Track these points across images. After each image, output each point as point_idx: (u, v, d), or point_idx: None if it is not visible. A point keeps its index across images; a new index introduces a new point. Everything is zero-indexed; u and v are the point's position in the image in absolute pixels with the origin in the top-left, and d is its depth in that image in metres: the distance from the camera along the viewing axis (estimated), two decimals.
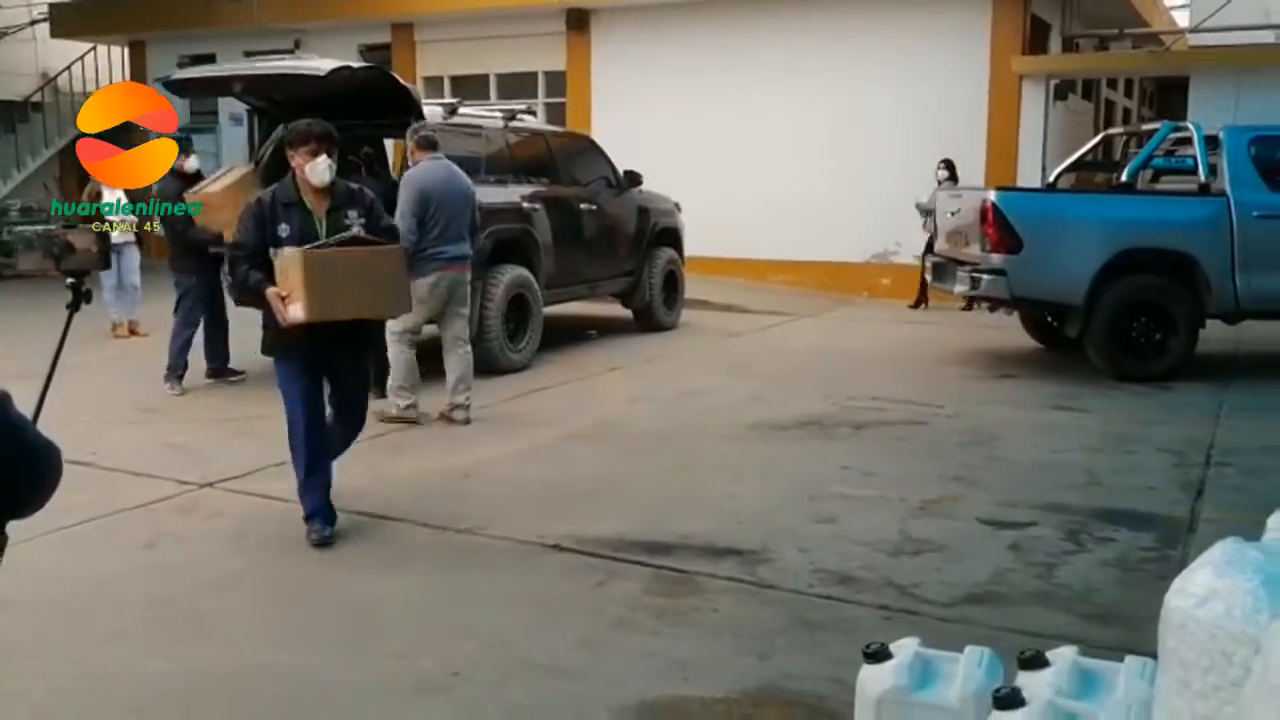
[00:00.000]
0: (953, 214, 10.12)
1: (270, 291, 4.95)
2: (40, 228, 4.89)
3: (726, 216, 14.80)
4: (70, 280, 4.44)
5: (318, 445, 5.23)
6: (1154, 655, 2.05)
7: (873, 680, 2.59)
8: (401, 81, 8.67)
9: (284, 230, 5.01)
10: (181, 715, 3.59)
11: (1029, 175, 14.09)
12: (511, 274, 9.20)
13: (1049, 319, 10.46)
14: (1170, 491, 6.05)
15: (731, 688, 3.68)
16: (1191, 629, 1.80)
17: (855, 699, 2.62)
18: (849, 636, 3.92)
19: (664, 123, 15.62)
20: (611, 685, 3.70)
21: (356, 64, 9.20)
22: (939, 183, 13.38)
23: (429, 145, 7.54)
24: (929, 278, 11.08)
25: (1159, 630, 1.89)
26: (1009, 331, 10.97)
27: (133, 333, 11.11)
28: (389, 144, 11.39)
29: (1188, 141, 9.76)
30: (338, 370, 5.33)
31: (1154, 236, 9.17)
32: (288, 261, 4.89)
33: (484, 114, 10.28)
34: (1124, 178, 9.99)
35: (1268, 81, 13.12)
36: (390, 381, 7.44)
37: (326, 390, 5.37)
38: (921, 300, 13.83)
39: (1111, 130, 13.84)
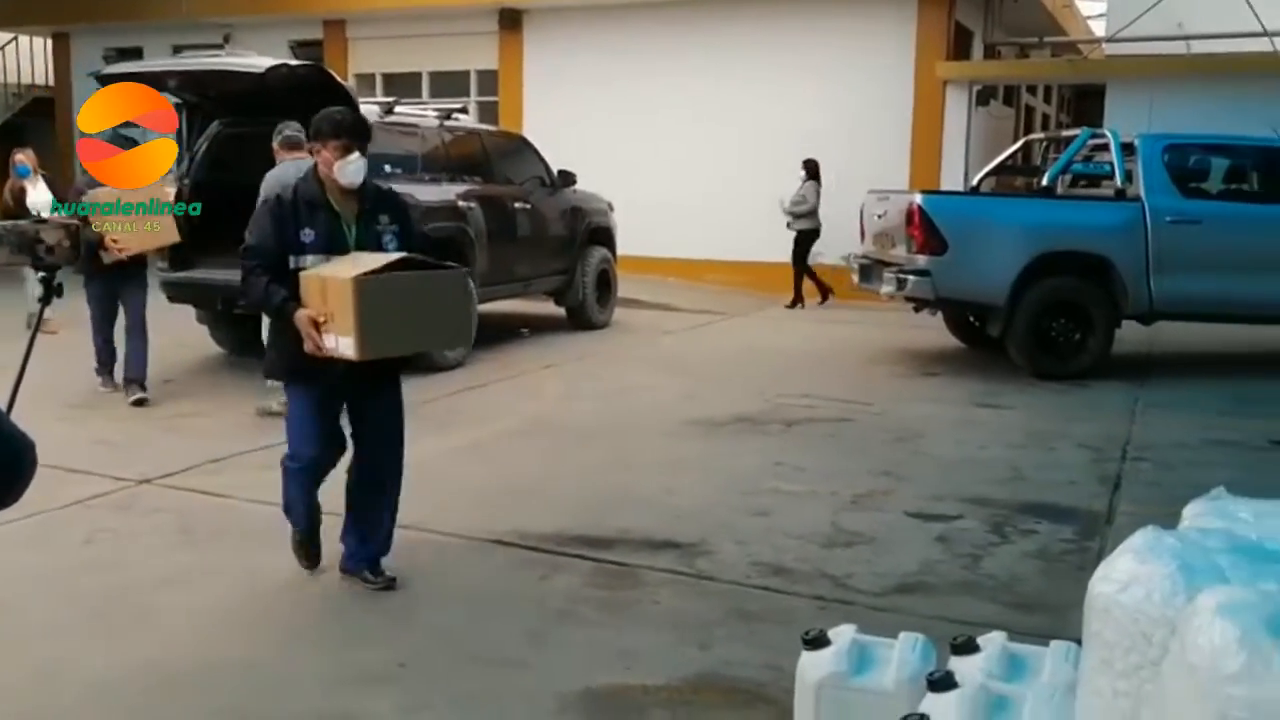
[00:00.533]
0: (879, 216, 10.33)
1: (302, 315, 4.18)
2: (10, 223, 4.86)
3: (658, 216, 14.93)
4: (42, 274, 4.45)
5: (314, 489, 4.67)
6: (1077, 641, 2.19)
7: (812, 666, 2.70)
8: (339, 80, 8.65)
9: (308, 236, 4.28)
10: (132, 709, 3.60)
11: (952, 179, 14.42)
12: None
13: (972, 319, 10.73)
14: (1089, 485, 6.28)
15: (673, 676, 3.78)
16: (1114, 613, 1.91)
17: (795, 684, 2.72)
18: (785, 626, 4.04)
19: (595, 123, 15.73)
20: (556, 675, 3.79)
21: (294, 62, 9.14)
22: (801, 182, 13.81)
23: (293, 146, 7.27)
24: (857, 279, 11.27)
25: (1084, 614, 2.00)
26: (932, 331, 11.22)
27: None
28: None
29: (1105, 148, 10.09)
30: (367, 403, 4.54)
31: (1073, 240, 9.47)
32: (331, 286, 4.12)
33: (420, 113, 10.28)
34: (1044, 183, 10.30)
35: (1179, 91, 13.56)
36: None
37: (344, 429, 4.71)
38: (826, 294, 14.29)
39: (1032, 136, 14.20)
